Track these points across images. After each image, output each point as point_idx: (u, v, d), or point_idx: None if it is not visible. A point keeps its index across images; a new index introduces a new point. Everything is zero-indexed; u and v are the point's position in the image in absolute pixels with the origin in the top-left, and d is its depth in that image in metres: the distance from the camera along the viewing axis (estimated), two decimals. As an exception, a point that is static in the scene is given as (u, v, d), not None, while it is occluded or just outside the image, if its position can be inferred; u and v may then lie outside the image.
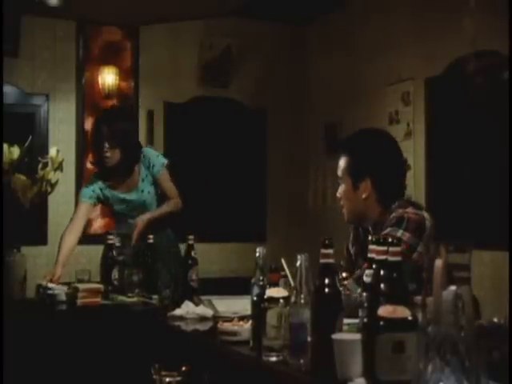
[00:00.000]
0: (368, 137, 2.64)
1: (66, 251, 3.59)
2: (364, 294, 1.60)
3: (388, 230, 2.37)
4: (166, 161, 3.81)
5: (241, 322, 2.20)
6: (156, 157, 3.81)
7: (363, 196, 2.49)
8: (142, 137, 6.02)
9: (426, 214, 2.47)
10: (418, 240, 2.37)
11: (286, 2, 5.81)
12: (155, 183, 3.76)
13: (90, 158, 4.13)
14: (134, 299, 3.14)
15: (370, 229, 2.54)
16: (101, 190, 3.75)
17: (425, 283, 1.26)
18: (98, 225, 5.86)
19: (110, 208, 3.88)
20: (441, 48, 4.78)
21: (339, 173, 2.56)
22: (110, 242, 3.34)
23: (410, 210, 2.43)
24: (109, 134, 3.59)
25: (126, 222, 3.73)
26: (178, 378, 1.99)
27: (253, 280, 2.04)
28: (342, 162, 2.55)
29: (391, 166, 2.53)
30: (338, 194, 2.58)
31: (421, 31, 5.01)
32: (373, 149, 2.52)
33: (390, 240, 1.54)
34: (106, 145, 3.59)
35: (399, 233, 2.35)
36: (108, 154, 3.61)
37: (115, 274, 3.26)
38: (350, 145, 2.60)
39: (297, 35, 6.46)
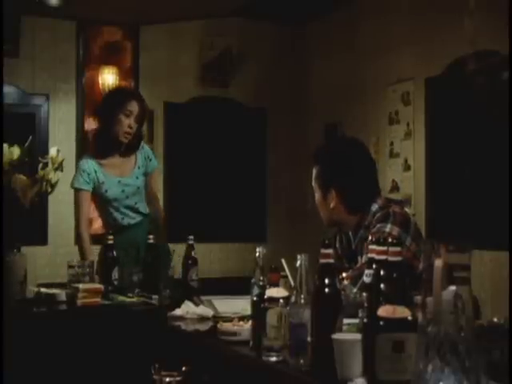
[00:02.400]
0: (335, 148, 2.72)
1: (89, 247, 3.66)
2: (363, 293, 1.60)
3: (377, 226, 2.40)
4: (157, 164, 3.97)
5: (241, 322, 2.20)
6: (153, 153, 3.89)
7: (331, 206, 2.55)
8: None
9: (409, 211, 2.52)
10: (406, 234, 2.39)
11: (287, 2, 5.81)
12: (145, 176, 3.79)
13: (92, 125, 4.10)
14: (134, 299, 3.14)
15: (350, 234, 2.58)
16: (95, 172, 3.65)
17: (424, 283, 1.26)
18: (98, 225, 5.85)
19: (101, 196, 3.70)
20: (441, 48, 4.78)
21: (312, 182, 2.64)
22: (109, 242, 3.34)
23: (393, 207, 2.47)
24: (139, 110, 3.65)
25: (118, 211, 3.70)
26: (178, 378, 1.99)
27: (253, 280, 2.04)
28: (314, 172, 2.63)
29: (355, 178, 2.55)
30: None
31: (421, 31, 5.01)
32: (337, 161, 2.58)
33: (390, 240, 1.54)
34: (133, 121, 3.63)
35: (388, 227, 2.38)
36: (133, 131, 3.64)
37: (115, 273, 3.26)
38: (319, 156, 2.67)
39: (297, 35, 6.46)
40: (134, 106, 3.65)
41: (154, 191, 3.91)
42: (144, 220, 3.79)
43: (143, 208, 3.79)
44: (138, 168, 3.75)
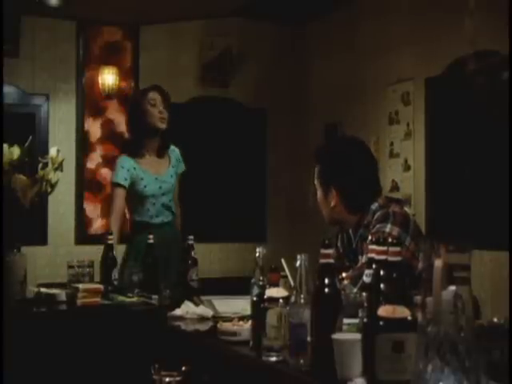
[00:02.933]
0: (335, 148, 2.73)
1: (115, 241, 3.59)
2: (363, 293, 1.60)
3: (376, 227, 2.40)
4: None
5: (241, 322, 2.20)
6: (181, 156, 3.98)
7: (332, 204, 2.56)
8: (142, 137, 6.03)
9: (409, 211, 2.52)
10: (406, 234, 2.39)
11: (287, 2, 5.81)
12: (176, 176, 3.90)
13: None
14: (134, 299, 3.14)
15: (351, 232, 2.58)
16: (134, 169, 3.72)
17: (424, 283, 1.26)
18: (98, 225, 5.86)
19: (139, 192, 3.73)
20: (441, 48, 4.78)
21: (315, 180, 2.65)
22: (109, 242, 3.34)
23: (393, 206, 2.46)
24: (161, 97, 3.75)
25: (154, 207, 3.74)
26: (178, 378, 1.99)
27: (253, 280, 2.04)
28: (315, 171, 2.64)
29: (355, 177, 2.55)
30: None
31: (421, 31, 5.01)
32: (337, 160, 2.59)
33: (390, 240, 1.54)
34: (161, 107, 3.72)
35: (388, 228, 2.38)
36: (165, 115, 3.72)
37: (115, 273, 3.26)
38: (320, 155, 2.68)
39: (297, 35, 6.46)
40: (155, 95, 3.75)
41: (176, 196, 3.96)
42: (173, 220, 3.86)
43: (174, 208, 3.86)
44: (172, 167, 3.85)
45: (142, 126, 3.74)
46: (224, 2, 5.58)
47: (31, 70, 5.71)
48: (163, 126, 3.73)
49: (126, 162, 3.72)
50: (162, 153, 3.82)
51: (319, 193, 2.63)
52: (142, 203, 3.74)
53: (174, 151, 3.89)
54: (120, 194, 3.70)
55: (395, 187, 5.20)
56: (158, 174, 3.77)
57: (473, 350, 1.14)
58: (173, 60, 6.11)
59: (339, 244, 2.69)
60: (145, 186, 3.72)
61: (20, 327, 2.77)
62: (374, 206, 2.51)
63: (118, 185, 3.69)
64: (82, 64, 5.87)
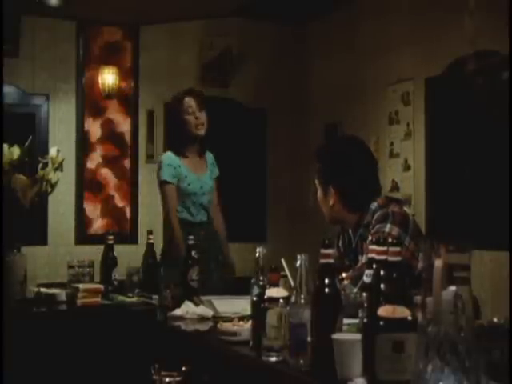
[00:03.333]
0: (335, 147, 2.74)
1: (179, 233, 3.67)
2: (363, 293, 1.60)
3: (376, 227, 2.41)
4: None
5: (241, 322, 2.20)
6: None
7: (331, 203, 2.57)
8: (142, 137, 6.03)
9: (408, 210, 2.52)
10: (405, 234, 2.39)
11: (287, 2, 5.81)
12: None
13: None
14: (134, 299, 3.14)
15: (350, 232, 2.58)
16: (179, 167, 3.79)
17: (424, 283, 1.26)
18: (98, 225, 5.86)
19: (182, 189, 3.79)
20: (441, 48, 4.78)
21: (315, 179, 2.66)
22: (109, 242, 3.34)
23: (392, 206, 2.46)
24: (196, 102, 3.79)
25: (195, 206, 3.80)
26: (178, 378, 1.99)
27: (253, 280, 2.04)
28: (316, 170, 2.65)
29: (355, 177, 2.55)
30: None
31: (421, 31, 5.01)
32: (336, 160, 2.59)
33: (390, 240, 1.54)
34: (197, 112, 3.78)
35: (387, 228, 2.38)
36: (202, 120, 3.76)
37: (115, 273, 3.26)
38: (320, 154, 2.68)
39: (297, 35, 6.46)
40: (190, 101, 3.79)
41: (215, 201, 4.04)
42: (210, 220, 3.93)
43: (210, 210, 3.93)
44: (209, 170, 3.95)
45: (182, 134, 3.82)
46: (224, 2, 5.58)
47: (31, 70, 5.71)
48: (201, 132, 3.80)
49: (170, 160, 3.79)
50: (201, 154, 3.91)
51: (319, 192, 2.63)
52: (185, 200, 3.80)
53: (210, 155, 3.99)
54: (171, 190, 3.75)
55: (395, 187, 5.19)
56: (199, 174, 3.86)
57: (473, 349, 1.14)
58: (173, 60, 6.11)
59: (340, 244, 2.69)
60: (188, 184, 3.79)
61: (20, 327, 2.77)
62: (374, 205, 2.51)
63: (167, 182, 3.76)
64: (82, 64, 5.87)
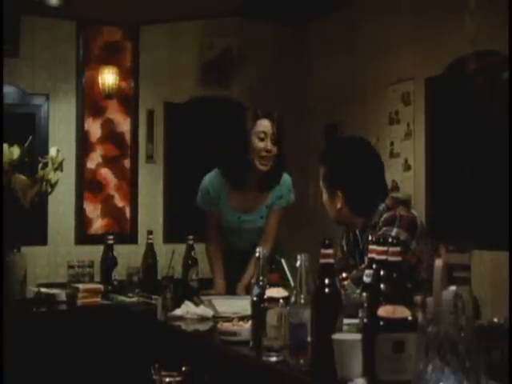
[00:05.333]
0: (342, 149, 2.67)
1: (219, 263, 3.33)
2: (363, 293, 1.60)
3: (383, 229, 2.39)
4: (292, 200, 3.38)
5: (241, 322, 2.20)
6: (290, 190, 3.36)
7: (338, 206, 2.53)
8: (142, 137, 6.03)
9: (415, 213, 2.49)
10: (412, 239, 2.38)
11: (287, 2, 5.81)
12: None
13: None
14: (134, 299, 3.14)
15: (358, 232, 2.57)
16: (219, 198, 3.25)
17: (424, 283, 1.26)
18: (98, 225, 5.86)
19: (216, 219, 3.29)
20: (441, 48, 4.78)
21: (320, 181, 2.63)
22: (109, 242, 3.34)
23: (399, 209, 2.45)
24: (273, 130, 3.17)
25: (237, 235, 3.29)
26: (178, 378, 1.99)
27: (253, 280, 2.04)
28: (321, 172, 2.62)
29: (362, 180, 2.53)
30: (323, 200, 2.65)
31: (421, 31, 5.01)
32: (344, 163, 2.55)
33: (390, 240, 1.54)
34: (269, 143, 3.15)
35: (394, 232, 2.36)
36: (271, 155, 3.12)
37: (115, 274, 3.26)
38: (326, 156, 2.65)
39: (297, 35, 6.46)
40: (267, 127, 3.18)
41: (268, 233, 3.31)
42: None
43: (262, 236, 3.30)
44: (266, 207, 3.29)
45: (239, 158, 3.17)
46: (224, 2, 5.58)
47: (31, 70, 5.71)
48: (264, 168, 3.14)
49: (212, 187, 3.27)
50: (262, 190, 3.24)
51: (325, 195, 2.60)
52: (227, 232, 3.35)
53: (287, 180, 3.32)
54: (208, 216, 3.31)
55: (395, 187, 5.19)
56: (244, 212, 3.25)
57: (473, 349, 1.14)
58: (173, 60, 6.11)
59: (344, 243, 2.67)
60: (224, 219, 3.30)
61: (20, 327, 2.77)
62: (381, 206, 2.48)
63: (210, 209, 3.30)
64: (82, 64, 5.87)
